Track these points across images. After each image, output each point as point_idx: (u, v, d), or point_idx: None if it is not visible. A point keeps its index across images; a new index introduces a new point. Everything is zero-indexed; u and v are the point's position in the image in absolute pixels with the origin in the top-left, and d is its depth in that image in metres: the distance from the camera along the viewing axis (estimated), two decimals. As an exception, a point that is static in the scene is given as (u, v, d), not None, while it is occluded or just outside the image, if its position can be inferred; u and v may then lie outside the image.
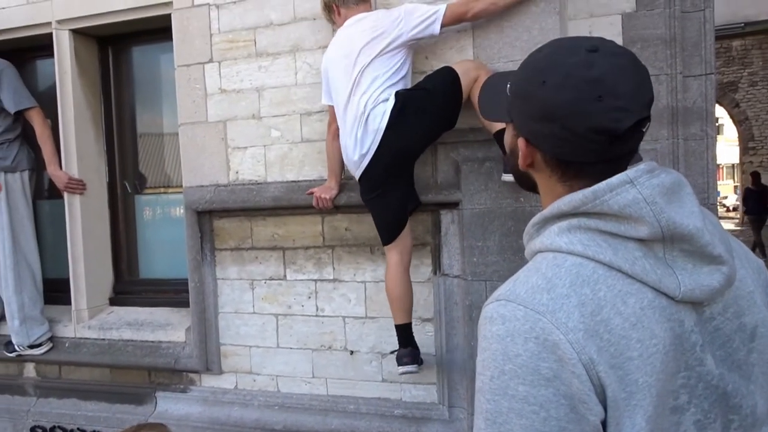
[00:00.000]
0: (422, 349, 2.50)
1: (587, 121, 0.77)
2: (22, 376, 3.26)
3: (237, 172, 2.78)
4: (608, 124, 0.76)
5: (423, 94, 2.24)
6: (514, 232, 2.30)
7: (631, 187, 0.78)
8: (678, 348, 0.78)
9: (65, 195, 3.11)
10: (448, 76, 2.24)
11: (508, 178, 2.28)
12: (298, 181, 2.65)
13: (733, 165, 25.48)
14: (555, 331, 0.75)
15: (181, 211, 2.91)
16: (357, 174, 2.33)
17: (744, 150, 15.02)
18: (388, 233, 2.37)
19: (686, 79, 2.62)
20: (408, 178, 2.39)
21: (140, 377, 3.05)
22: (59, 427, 3.10)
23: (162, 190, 3.40)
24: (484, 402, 0.81)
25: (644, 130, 0.80)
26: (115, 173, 3.33)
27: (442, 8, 2.22)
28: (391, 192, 2.32)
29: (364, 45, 2.23)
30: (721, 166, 27.26)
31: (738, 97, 14.65)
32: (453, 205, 2.45)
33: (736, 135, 15.76)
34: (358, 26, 2.29)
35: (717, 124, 5.89)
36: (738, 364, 0.83)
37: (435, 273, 2.54)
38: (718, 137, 11.86)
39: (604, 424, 0.77)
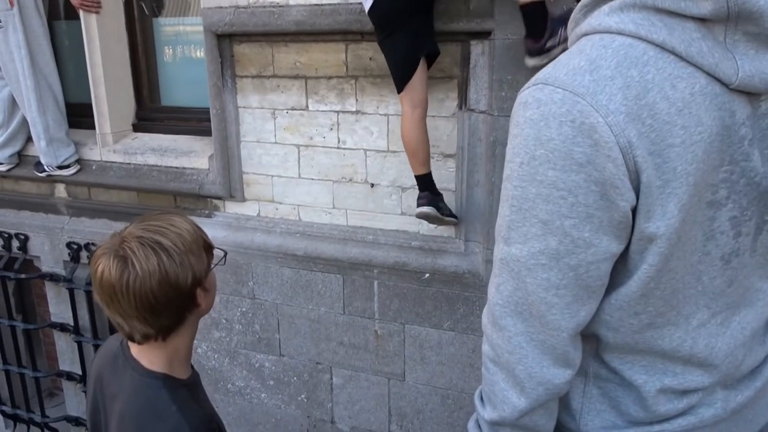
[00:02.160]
0: (442, 185, 2.51)
1: None
2: (54, 195, 3.38)
3: (257, -7, 2.63)
4: None
5: None
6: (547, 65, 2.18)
7: None
8: (725, 140, 0.73)
9: (81, 14, 2.99)
10: None
11: (533, 61, 2.07)
12: (322, 5, 2.50)
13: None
14: (593, 113, 0.71)
15: (201, 39, 2.80)
16: (366, 7, 2.16)
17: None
18: (397, 80, 2.22)
19: None
20: (421, 17, 2.17)
21: (166, 201, 3.14)
22: (92, 243, 3.27)
23: (180, 15, 3.26)
24: (511, 189, 0.80)
25: None
26: (131, -7, 3.18)
27: None
28: (399, 32, 2.13)
29: None
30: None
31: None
32: (484, 35, 2.31)
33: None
34: None
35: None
36: None
37: (460, 108, 2.47)
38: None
39: (634, 211, 0.75)
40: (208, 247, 1.21)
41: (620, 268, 0.81)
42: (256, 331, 3.04)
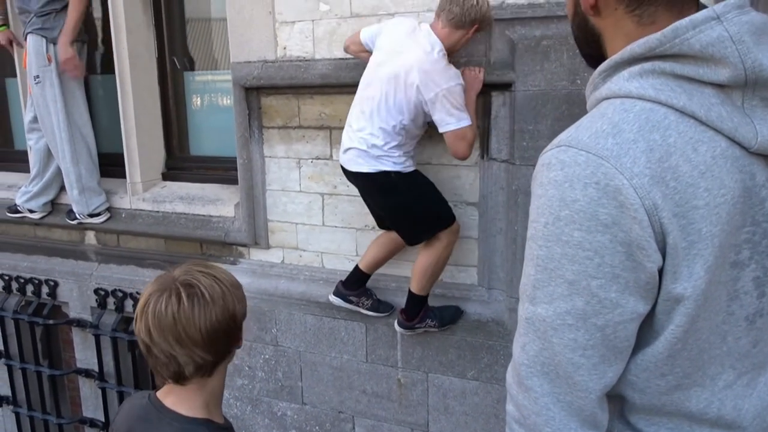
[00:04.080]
0: (465, 233, 2.54)
1: None
2: (84, 242, 3.46)
3: (285, 48, 2.73)
4: None
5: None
6: (567, 116, 2.22)
7: (717, 24, 0.71)
8: (746, 201, 0.75)
9: (116, 69, 3.13)
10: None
11: (400, 330, 2.59)
12: (347, 59, 2.59)
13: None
14: (618, 176, 0.72)
15: (230, 89, 2.90)
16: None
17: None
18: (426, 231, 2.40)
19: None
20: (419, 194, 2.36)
21: (193, 248, 3.20)
22: (119, 290, 3.32)
23: (211, 68, 3.39)
24: (536, 248, 0.81)
25: None
26: (164, 49, 3.31)
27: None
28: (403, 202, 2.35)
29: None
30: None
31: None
32: (505, 87, 2.36)
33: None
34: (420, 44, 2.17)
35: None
36: None
37: (482, 157, 2.50)
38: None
39: (660, 272, 0.76)
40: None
41: (646, 328, 0.81)
42: (278, 378, 3.03)
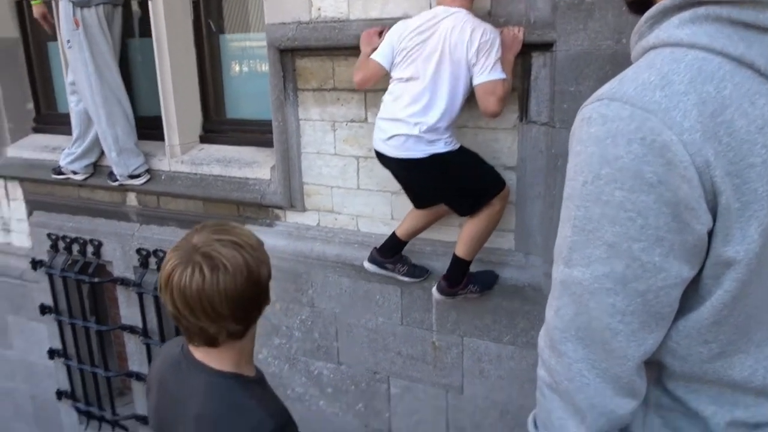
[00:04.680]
0: (502, 197, 2.50)
1: None
2: (126, 204, 3.54)
3: (319, 9, 2.68)
4: None
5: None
6: (611, 76, 2.09)
7: None
8: None
9: (153, 33, 3.13)
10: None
11: (439, 297, 2.54)
12: (382, 19, 2.53)
13: None
14: (666, 131, 0.67)
15: (265, 52, 2.87)
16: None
17: None
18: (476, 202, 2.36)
19: None
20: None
21: (230, 210, 3.24)
22: (160, 250, 3.40)
23: (245, 31, 3.36)
24: (573, 209, 0.76)
25: None
26: (200, 12, 3.29)
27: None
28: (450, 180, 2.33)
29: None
30: None
31: None
32: (546, 47, 2.28)
33: None
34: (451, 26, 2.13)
35: None
36: None
37: (521, 120, 2.44)
38: None
39: (710, 234, 0.71)
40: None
41: (691, 293, 0.77)
42: (315, 338, 3.09)
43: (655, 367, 0.85)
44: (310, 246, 3.02)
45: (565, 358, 0.81)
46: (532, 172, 2.45)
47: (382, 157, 2.40)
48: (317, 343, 3.09)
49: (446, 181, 2.32)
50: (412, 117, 2.22)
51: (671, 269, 0.73)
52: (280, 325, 3.16)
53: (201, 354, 1.21)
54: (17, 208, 3.92)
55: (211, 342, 1.17)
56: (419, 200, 2.54)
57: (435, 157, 2.24)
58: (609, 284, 0.75)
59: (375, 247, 2.67)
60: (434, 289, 2.55)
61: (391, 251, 2.64)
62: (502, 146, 2.49)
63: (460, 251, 2.41)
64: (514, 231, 2.59)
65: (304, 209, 3.02)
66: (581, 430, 0.82)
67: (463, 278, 2.48)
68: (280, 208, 3.07)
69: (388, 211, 2.82)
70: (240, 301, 1.13)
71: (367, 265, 2.69)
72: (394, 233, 2.61)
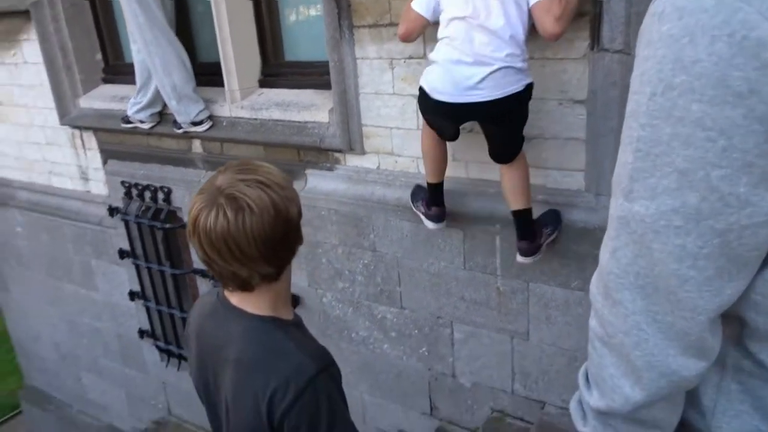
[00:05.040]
0: (571, 134, 2.33)
1: None
2: (191, 151, 3.59)
3: (373, -63, 2.52)
4: None
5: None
6: (696, -7, 1.89)
7: None
8: None
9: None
10: None
11: (528, 260, 2.40)
12: (440, -57, 2.34)
13: None
14: (764, 23, 0.52)
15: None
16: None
17: None
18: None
19: None
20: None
21: (291, 155, 3.21)
22: (225, 196, 3.44)
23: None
24: (637, 128, 0.63)
25: None
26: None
27: None
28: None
29: None
30: None
31: None
32: (621, -37, 2.05)
33: None
34: None
35: None
36: None
37: (592, 48, 2.23)
38: None
39: None
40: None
41: None
42: (377, 283, 3.07)
43: (734, 324, 0.72)
44: (371, 190, 2.96)
45: (620, 308, 0.70)
46: (604, 106, 2.25)
47: (458, 109, 2.16)
48: (380, 288, 3.07)
49: (521, 117, 2.21)
50: (495, 51, 2.03)
51: (761, 203, 0.59)
52: (343, 270, 3.15)
53: (237, 299, 1.19)
54: (93, 157, 4.07)
55: (245, 286, 1.14)
56: (449, 135, 2.39)
57: (525, 90, 2.11)
58: (678, 221, 0.62)
59: (428, 205, 2.60)
60: (518, 257, 2.40)
61: (439, 198, 2.56)
62: (570, 78, 2.30)
63: (519, 203, 2.30)
64: (584, 170, 2.42)
65: (363, 152, 2.95)
66: (636, 391, 0.71)
67: (536, 228, 2.35)
68: (340, 151, 3.01)
69: (449, 152, 2.69)
70: (269, 241, 1.08)
71: (431, 225, 2.62)
72: (430, 184, 2.53)
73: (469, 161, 2.66)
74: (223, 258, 1.08)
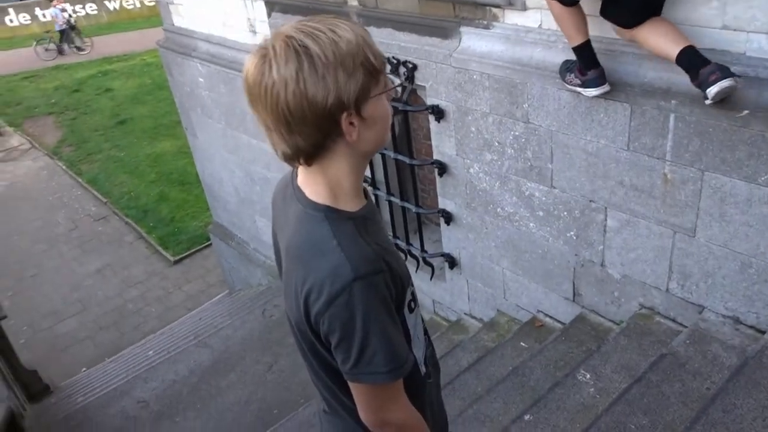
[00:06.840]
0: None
1: None
2: (347, 4, 3.44)
3: None
4: None
5: None
6: None
7: None
8: None
9: None
10: None
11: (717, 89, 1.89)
12: None
13: None
14: None
15: None
16: None
17: None
18: None
19: None
20: None
21: (446, 11, 2.93)
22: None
23: None
24: None
25: None
26: None
27: None
28: None
29: None
30: None
31: None
32: None
33: None
34: None
35: None
36: None
37: None
38: None
39: None
40: (373, 69, 1.00)
41: None
42: (527, 158, 2.81)
43: None
44: (530, 52, 2.62)
45: None
46: None
47: None
48: (530, 163, 2.82)
49: None
50: None
51: None
52: (492, 141, 2.92)
53: (301, 178, 1.10)
54: (259, 8, 4.10)
55: (292, 157, 1.03)
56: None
57: None
58: None
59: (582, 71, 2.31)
60: (711, 88, 1.92)
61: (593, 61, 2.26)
62: None
63: (681, 43, 1.97)
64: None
65: (524, 7, 2.58)
66: None
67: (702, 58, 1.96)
68: (498, 6, 2.66)
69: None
70: (282, 117, 0.96)
71: (589, 92, 2.33)
72: (576, 47, 2.24)
73: (650, 20, 2.19)
74: (254, 110, 1.00)
